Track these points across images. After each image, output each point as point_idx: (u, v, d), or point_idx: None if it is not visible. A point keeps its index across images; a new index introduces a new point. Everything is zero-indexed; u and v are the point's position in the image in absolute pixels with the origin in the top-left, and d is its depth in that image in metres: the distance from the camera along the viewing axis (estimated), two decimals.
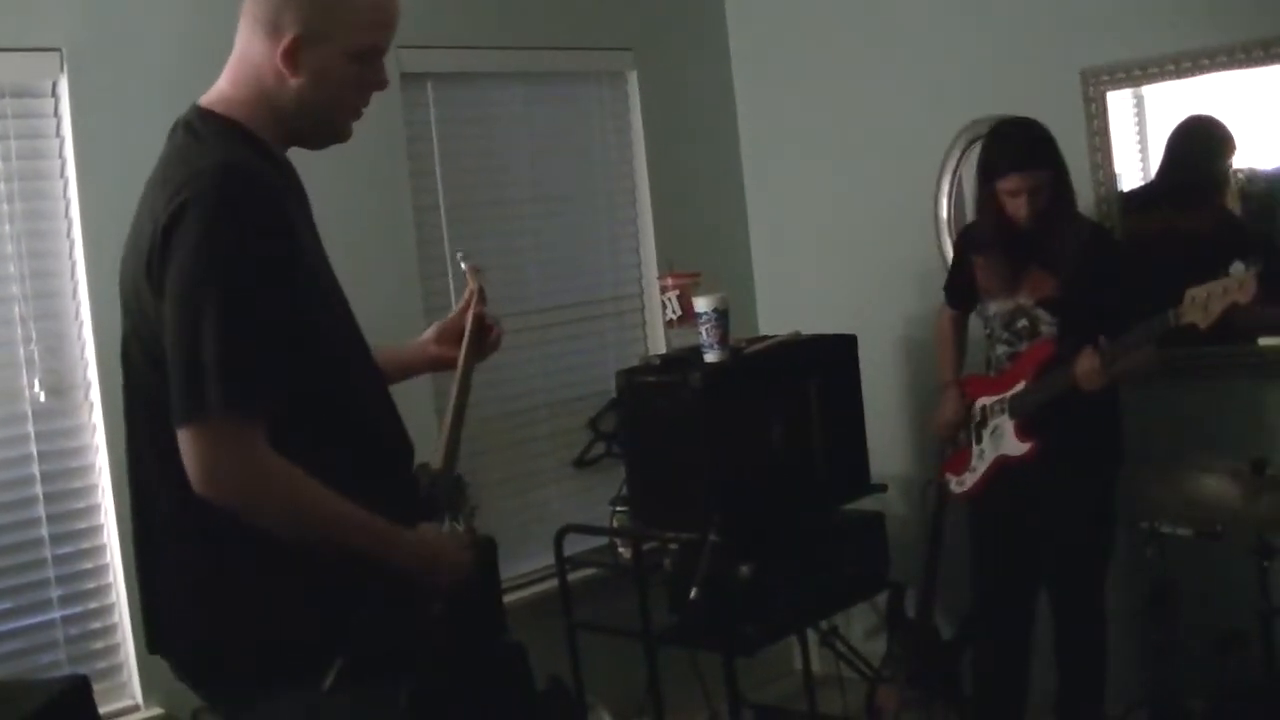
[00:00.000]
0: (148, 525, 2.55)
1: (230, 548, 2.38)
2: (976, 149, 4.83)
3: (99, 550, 4.16)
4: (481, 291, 3.00)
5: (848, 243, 5.78)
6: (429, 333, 3.07)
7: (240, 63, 2.54)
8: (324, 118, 2.58)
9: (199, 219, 2.29)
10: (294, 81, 2.49)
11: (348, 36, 2.50)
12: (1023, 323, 4.47)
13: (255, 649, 2.42)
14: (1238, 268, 3.91)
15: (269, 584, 2.40)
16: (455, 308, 3.05)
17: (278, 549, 2.36)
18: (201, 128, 2.50)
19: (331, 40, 2.49)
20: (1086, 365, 4.16)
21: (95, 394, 4.15)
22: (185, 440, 2.29)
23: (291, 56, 2.47)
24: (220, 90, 2.56)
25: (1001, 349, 4.56)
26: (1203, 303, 3.94)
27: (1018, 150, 4.35)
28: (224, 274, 2.29)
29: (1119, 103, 4.91)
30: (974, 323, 4.83)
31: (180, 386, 2.28)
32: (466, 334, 2.94)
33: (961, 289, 4.75)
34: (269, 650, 2.41)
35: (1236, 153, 4.66)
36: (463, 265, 3.06)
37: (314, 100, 2.52)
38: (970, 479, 4.66)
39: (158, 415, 2.38)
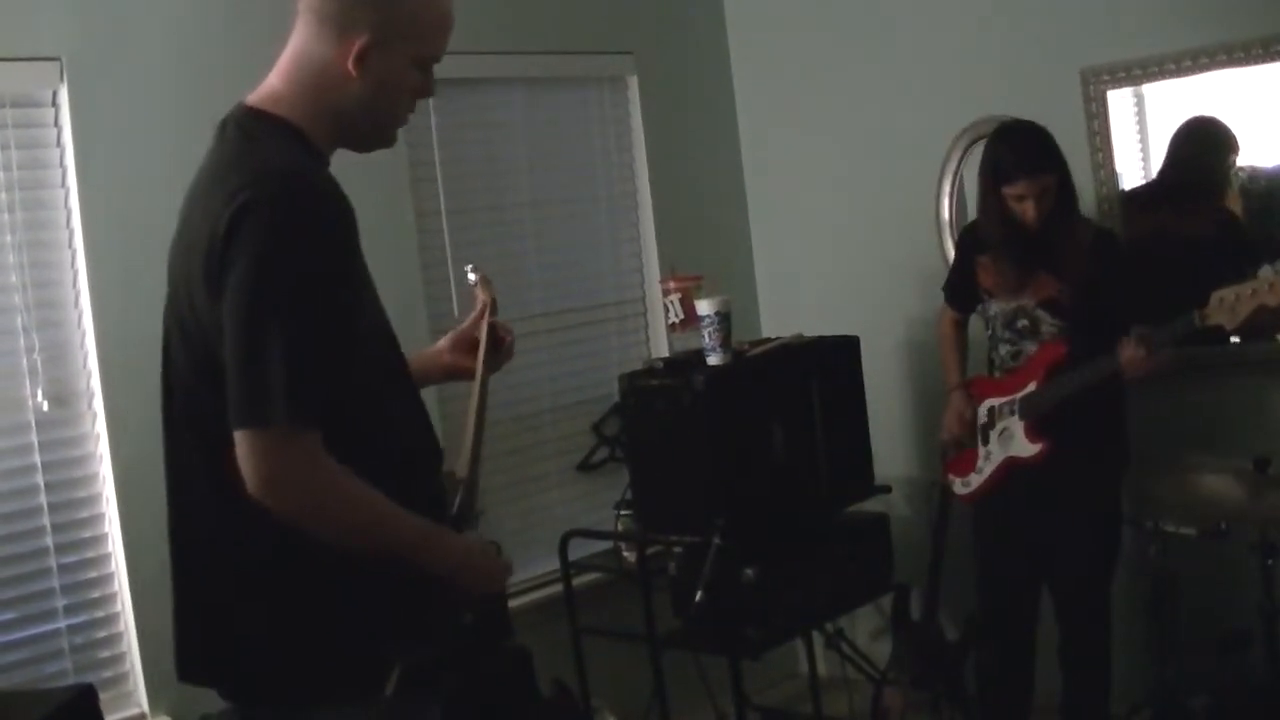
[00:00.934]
0: (191, 538, 2.54)
1: (286, 559, 2.37)
2: (978, 149, 4.83)
3: (104, 559, 4.17)
4: (494, 302, 3.03)
5: (850, 244, 5.79)
6: (442, 343, 3.08)
7: (297, 60, 2.52)
8: (382, 122, 2.59)
9: (264, 225, 2.28)
10: (358, 84, 2.49)
11: (416, 44, 2.52)
12: (1023, 322, 4.48)
13: (312, 663, 2.42)
14: (1266, 270, 3.90)
15: (326, 597, 2.40)
16: (467, 319, 3.07)
17: (334, 561, 2.35)
18: (253, 127, 2.49)
19: (401, 46, 2.49)
20: (1130, 354, 4.14)
21: (98, 403, 4.15)
22: (246, 444, 2.26)
23: (362, 59, 2.46)
24: (272, 88, 2.54)
25: (1005, 349, 4.57)
26: (1230, 304, 3.94)
27: (1025, 154, 4.35)
28: (291, 281, 2.28)
29: (1120, 102, 4.90)
30: (974, 323, 4.83)
31: (243, 390, 2.26)
32: (482, 344, 2.97)
33: (963, 290, 4.75)
34: (325, 664, 2.41)
35: (1239, 152, 4.66)
36: (471, 277, 3.09)
37: (375, 104, 2.53)
38: (976, 480, 4.67)
39: (198, 418, 2.40)
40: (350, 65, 2.46)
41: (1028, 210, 4.34)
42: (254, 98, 2.55)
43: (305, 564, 2.36)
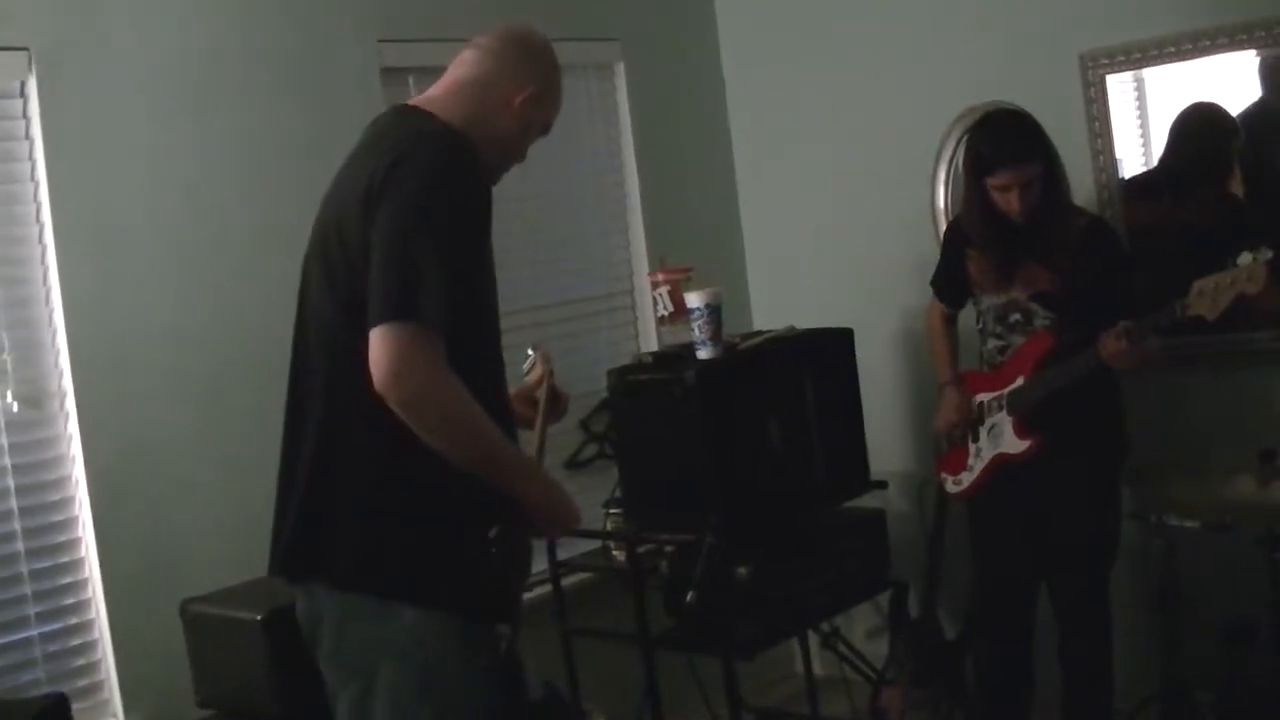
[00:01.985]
0: (319, 450, 2.89)
1: (407, 472, 2.79)
2: None
3: (77, 564, 4.11)
4: (551, 372, 3.44)
5: (843, 234, 5.76)
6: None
7: (467, 83, 3.07)
8: (508, 157, 3.16)
9: (425, 164, 2.77)
10: (513, 120, 3.09)
11: (550, 110, 3.20)
12: (1016, 316, 4.45)
13: (418, 565, 2.82)
14: (1245, 257, 3.87)
15: (439, 508, 2.82)
16: (528, 378, 3.44)
17: (447, 479, 2.76)
18: (409, 113, 3.04)
19: (545, 106, 3.16)
20: (1114, 346, 4.11)
21: (70, 403, 4.10)
22: (381, 338, 2.65)
23: (525, 103, 3.08)
24: (432, 97, 3.08)
25: (993, 343, 4.54)
26: (1210, 294, 3.92)
27: (1007, 144, 4.31)
28: (445, 209, 2.75)
29: (1119, 87, 4.88)
30: (965, 316, 4.80)
31: (385, 292, 2.67)
32: (543, 402, 3.36)
33: (952, 283, 4.72)
34: (428, 568, 2.82)
35: (1240, 137, 4.62)
36: (531, 354, 3.49)
37: (512, 142, 3.13)
38: (968, 478, 4.65)
39: (333, 347, 2.86)
40: (517, 103, 3.07)
41: (1012, 201, 4.30)
42: (415, 100, 3.11)
43: (420, 482, 2.79)
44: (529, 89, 3.08)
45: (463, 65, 3.11)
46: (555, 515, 3.01)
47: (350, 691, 2.90)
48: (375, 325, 2.65)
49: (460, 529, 2.87)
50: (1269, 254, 3.86)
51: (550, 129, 3.23)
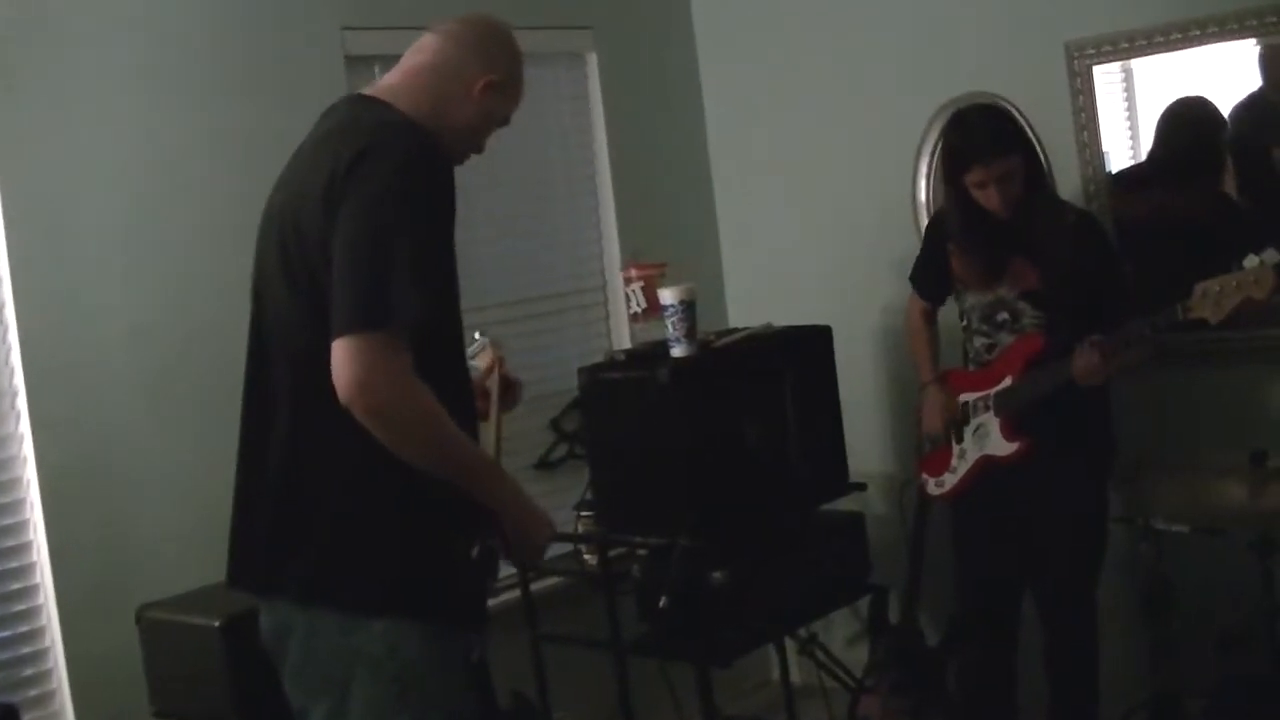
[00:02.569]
0: (281, 458, 2.86)
1: (377, 480, 2.76)
2: None
3: (28, 569, 4.07)
4: (501, 360, 3.44)
5: (821, 229, 5.75)
6: None
7: (428, 73, 3.03)
8: (467, 147, 3.13)
9: (388, 160, 2.72)
10: (474, 110, 3.06)
11: (512, 101, 3.17)
12: (1003, 315, 4.43)
13: (386, 578, 2.79)
14: (1251, 260, 3.85)
15: (407, 519, 2.79)
16: (475, 364, 3.39)
17: (416, 486, 2.74)
18: (367, 104, 2.98)
19: (507, 96, 3.14)
20: (1084, 362, 4.11)
21: (22, 401, 4.06)
22: (345, 349, 2.62)
23: (486, 91, 3.05)
24: (389, 85, 3.04)
25: (980, 341, 4.52)
26: (1214, 297, 3.91)
27: (979, 140, 4.30)
28: (408, 208, 2.71)
29: (1106, 77, 4.86)
30: (945, 312, 4.79)
31: (347, 300, 2.64)
32: (495, 391, 3.38)
33: (934, 280, 4.71)
34: (400, 577, 2.80)
35: (1229, 131, 4.62)
36: (477, 337, 3.46)
37: (471, 132, 3.10)
38: (951, 480, 4.63)
39: (296, 350, 2.81)
40: (477, 91, 3.04)
41: (991, 198, 4.29)
42: (368, 90, 3.06)
43: (389, 488, 2.76)
44: (490, 76, 3.05)
45: (422, 52, 3.08)
46: (526, 527, 3.00)
47: (323, 707, 2.86)
48: (338, 336, 2.62)
49: (432, 535, 2.83)
50: (1277, 257, 3.84)
51: (510, 120, 3.21)
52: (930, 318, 4.83)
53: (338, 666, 2.81)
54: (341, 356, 2.61)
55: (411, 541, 2.81)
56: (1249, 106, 4.59)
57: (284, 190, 2.94)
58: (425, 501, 2.78)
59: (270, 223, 2.94)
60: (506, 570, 4.62)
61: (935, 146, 5.25)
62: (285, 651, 2.91)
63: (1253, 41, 4.50)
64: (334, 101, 3.09)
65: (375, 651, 2.77)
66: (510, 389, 3.44)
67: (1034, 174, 4.36)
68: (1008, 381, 4.41)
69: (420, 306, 2.65)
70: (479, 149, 3.18)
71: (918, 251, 4.83)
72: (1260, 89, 4.57)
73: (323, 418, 2.72)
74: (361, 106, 2.98)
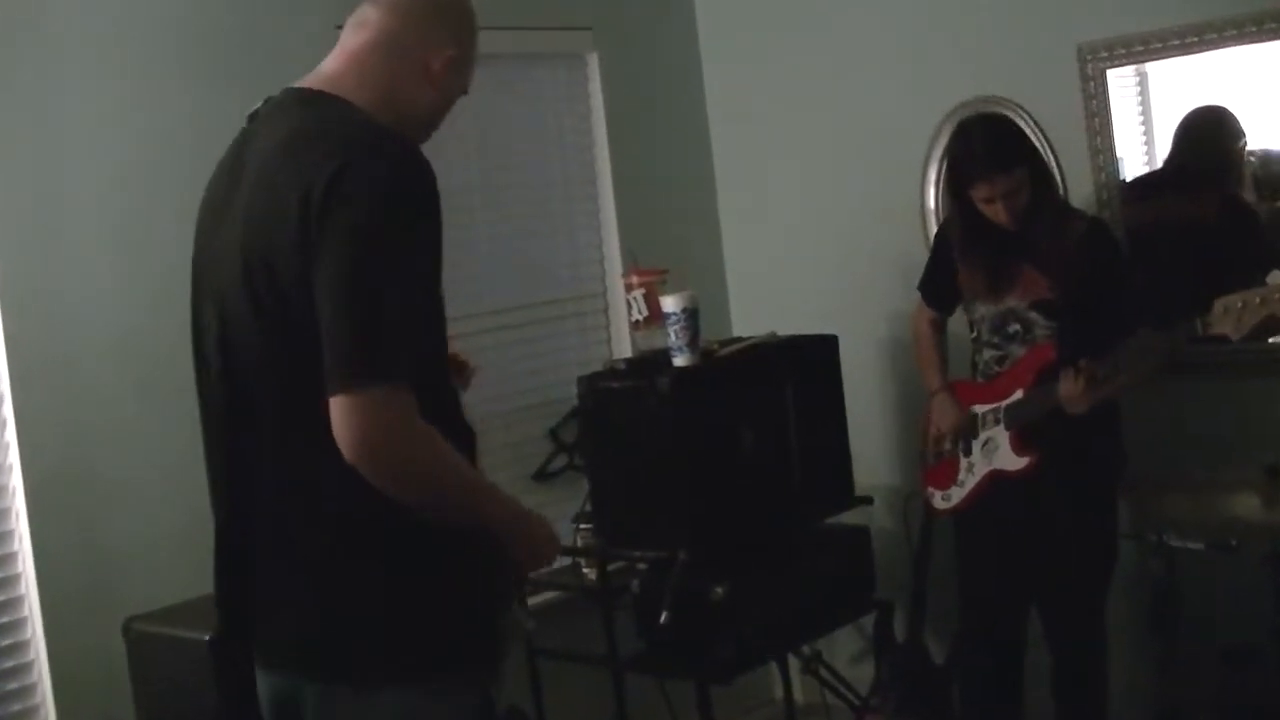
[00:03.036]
0: (273, 522, 2.64)
1: (376, 538, 2.55)
2: None
3: (12, 580, 4.06)
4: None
5: (827, 236, 5.74)
6: None
7: (376, 54, 2.72)
8: (430, 129, 2.85)
9: (380, 172, 2.46)
10: (434, 93, 2.78)
11: (470, 69, 2.86)
12: (1015, 327, 4.42)
13: (399, 641, 2.58)
14: (1276, 276, 3.83)
15: (413, 579, 2.57)
16: None
17: (424, 542, 2.54)
18: (324, 105, 2.66)
19: (464, 69, 2.84)
20: (1069, 389, 4.12)
21: (8, 409, 4.05)
22: (349, 405, 2.39)
23: (446, 69, 2.76)
24: (341, 78, 2.71)
25: (990, 353, 4.52)
26: (1236, 313, 3.88)
27: (984, 155, 4.31)
28: (406, 237, 2.47)
29: (1120, 81, 4.85)
30: (952, 322, 4.80)
31: (348, 345, 2.39)
32: None
33: (943, 290, 4.71)
34: (410, 641, 2.58)
35: (1246, 137, 4.62)
36: None
37: (433, 114, 2.83)
38: (958, 494, 4.62)
39: (285, 398, 2.55)
40: (436, 69, 2.75)
41: (999, 213, 4.30)
42: (314, 82, 2.73)
43: (394, 546, 2.55)
44: (448, 52, 2.77)
45: (364, 28, 2.75)
46: (539, 550, 2.81)
47: None
48: (338, 393, 2.40)
49: (439, 587, 2.61)
50: None
51: (468, 89, 2.92)
52: (938, 327, 4.82)
53: None
54: (344, 415, 2.39)
55: (419, 600, 2.58)
56: None
57: (231, 213, 2.63)
58: (430, 552, 2.58)
59: (223, 253, 2.63)
60: None
61: (944, 152, 5.25)
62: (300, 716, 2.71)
63: (1277, 44, 4.48)
64: (270, 97, 2.77)
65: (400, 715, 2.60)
66: (462, 371, 3.26)
67: (1041, 184, 4.35)
68: (1018, 394, 4.40)
69: (413, 345, 2.47)
70: (433, 131, 2.89)
71: (926, 259, 4.82)
72: None
73: (316, 475, 2.52)
74: (317, 106, 2.66)
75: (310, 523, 2.59)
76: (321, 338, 2.41)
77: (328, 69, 2.74)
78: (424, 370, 2.52)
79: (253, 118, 2.75)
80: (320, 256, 2.41)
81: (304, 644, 2.65)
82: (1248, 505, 4.07)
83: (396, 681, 2.58)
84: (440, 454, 2.51)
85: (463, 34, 2.82)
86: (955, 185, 4.42)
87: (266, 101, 2.75)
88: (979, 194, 4.30)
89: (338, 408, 2.40)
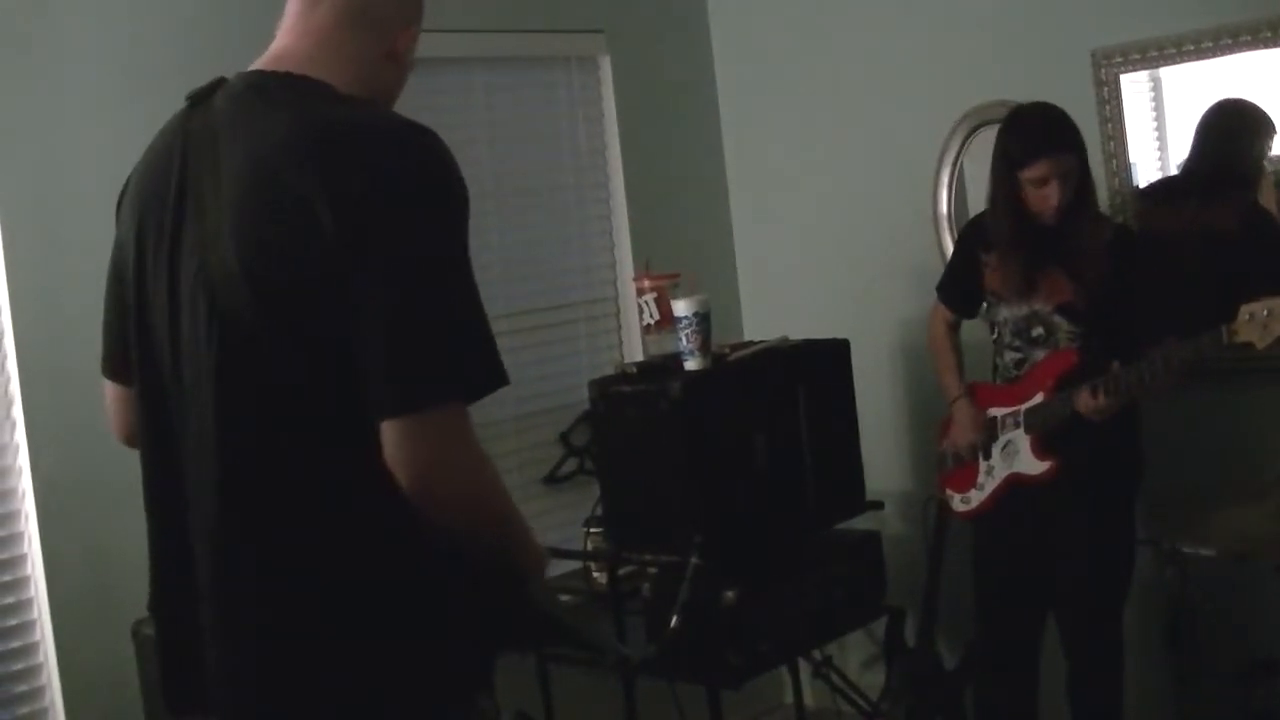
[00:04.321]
0: (258, 558, 2.33)
1: (389, 574, 2.32)
2: (979, 137, 4.83)
3: (22, 583, 4.07)
4: None
5: (839, 240, 5.75)
6: None
7: (341, 31, 2.48)
8: (392, 101, 2.63)
9: (434, 180, 2.28)
10: (398, 71, 2.60)
11: (416, 41, 2.63)
12: (1039, 330, 4.41)
13: (396, 683, 2.33)
14: None
15: (395, 609, 2.33)
16: None
17: (409, 564, 2.32)
18: (306, 87, 2.40)
19: (415, 43, 2.62)
20: (1088, 404, 4.14)
21: (18, 410, 4.07)
22: (411, 431, 2.19)
23: (408, 46, 2.58)
24: (311, 60, 2.45)
25: (1011, 355, 4.51)
26: (1262, 320, 3.88)
27: (1044, 132, 4.30)
28: (464, 247, 2.28)
29: (1134, 86, 4.85)
30: (967, 324, 4.80)
31: (411, 366, 2.19)
32: None
33: (964, 290, 4.68)
34: (414, 682, 2.34)
35: (1274, 138, 4.59)
36: None
37: (398, 86, 2.63)
38: (977, 497, 4.61)
39: (293, 417, 2.28)
40: (401, 49, 2.56)
41: (1050, 196, 4.26)
42: (282, 63, 2.45)
43: (406, 579, 2.33)
44: (411, 28, 2.59)
45: (320, 3, 2.50)
46: (536, 565, 2.60)
47: None
48: (400, 414, 2.19)
49: (424, 617, 2.37)
50: None
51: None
52: (954, 329, 4.81)
53: None
54: (409, 439, 2.19)
55: (400, 633, 2.34)
56: None
57: (206, 212, 2.35)
58: (414, 583, 2.35)
59: (204, 253, 2.34)
60: None
61: (958, 156, 5.25)
62: None
63: None
64: (223, 79, 2.49)
65: None
66: None
67: (1086, 179, 4.34)
68: (1039, 398, 4.39)
69: (488, 354, 2.29)
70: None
71: (938, 264, 4.84)
72: None
73: (302, 492, 2.29)
74: (309, 94, 2.39)
75: (309, 548, 2.31)
76: (362, 354, 2.20)
77: (293, 48, 2.48)
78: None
79: (198, 101, 2.47)
80: (367, 266, 2.18)
81: (286, 696, 2.37)
82: (1265, 515, 4.03)
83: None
84: (495, 479, 2.39)
85: (420, 7, 2.64)
86: (1008, 166, 4.36)
87: (220, 84, 2.47)
88: (1034, 173, 4.25)
89: (396, 430, 2.19)
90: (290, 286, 2.23)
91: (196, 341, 2.34)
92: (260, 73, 2.44)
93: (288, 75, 2.41)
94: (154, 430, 2.52)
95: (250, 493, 2.32)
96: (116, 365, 2.75)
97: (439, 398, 2.21)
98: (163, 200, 2.45)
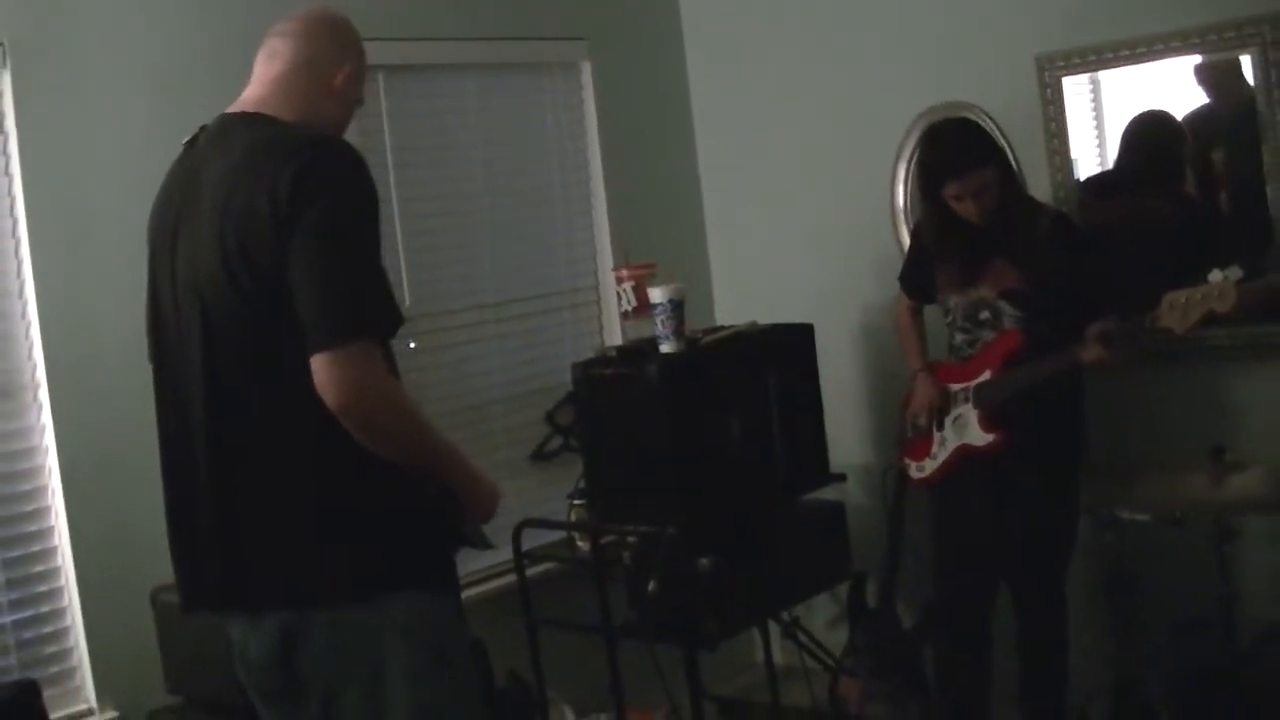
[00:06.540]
0: (252, 475, 2.78)
1: (352, 476, 2.74)
2: None
3: (50, 553, 4.12)
4: None
5: (804, 232, 5.78)
6: None
7: (292, 77, 2.97)
8: (342, 128, 3.09)
9: (337, 169, 2.73)
10: (339, 104, 3.04)
11: (362, 81, 3.14)
12: (985, 314, 4.47)
13: (368, 561, 2.76)
14: (1216, 275, 3.91)
15: (384, 502, 2.78)
16: None
17: (386, 475, 2.75)
18: (266, 122, 2.87)
19: (359, 81, 3.10)
20: (1094, 352, 4.16)
21: (44, 394, 4.11)
22: (331, 362, 2.62)
23: (346, 83, 3.03)
24: (265, 100, 2.94)
25: (961, 337, 4.57)
26: (1181, 308, 3.96)
27: (954, 155, 4.36)
28: (361, 223, 2.73)
29: (1075, 89, 4.90)
30: (930, 308, 4.83)
31: (329, 312, 2.63)
32: None
33: (920, 281, 4.76)
34: (382, 560, 2.78)
35: (1189, 142, 4.68)
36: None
37: (340, 123, 3.07)
38: (931, 466, 4.68)
39: (264, 367, 2.73)
40: (339, 84, 3.01)
41: (969, 210, 4.35)
42: (246, 106, 2.95)
43: (367, 478, 2.74)
44: (347, 67, 3.03)
45: (276, 58, 2.99)
46: (480, 497, 3.03)
47: (355, 690, 2.78)
48: (327, 348, 2.63)
49: (402, 505, 2.82)
50: (1239, 273, 3.89)
51: (364, 100, 3.19)
52: (917, 314, 4.86)
53: (368, 644, 2.76)
54: (330, 368, 2.62)
55: (392, 516, 2.80)
56: (1204, 118, 4.66)
57: (196, 222, 2.81)
58: (393, 486, 2.79)
59: (196, 254, 2.80)
60: (504, 556, 4.71)
61: (912, 154, 5.28)
62: (292, 656, 2.81)
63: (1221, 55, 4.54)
64: (205, 126, 2.97)
65: (406, 620, 2.77)
66: None
67: (1008, 181, 4.41)
68: (986, 375, 4.46)
69: (387, 308, 2.73)
70: (343, 134, 3.10)
71: (896, 253, 4.87)
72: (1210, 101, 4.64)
73: (286, 438, 2.75)
74: (259, 124, 2.87)
75: (295, 467, 2.76)
76: (298, 308, 2.65)
77: (254, 95, 2.97)
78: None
79: (192, 143, 2.97)
80: (295, 239, 2.64)
81: (300, 578, 2.78)
82: (1195, 484, 4.12)
83: (401, 588, 2.78)
84: (411, 405, 2.81)
85: (356, 50, 3.09)
86: (927, 186, 4.46)
87: (203, 130, 2.96)
88: (950, 192, 4.34)
89: (326, 363, 2.63)
90: (253, 269, 2.67)
91: (191, 325, 2.80)
92: (230, 115, 2.94)
93: (248, 114, 2.91)
94: (168, 399, 2.94)
95: (236, 431, 2.77)
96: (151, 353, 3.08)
97: (351, 334, 2.63)
98: (164, 224, 2.94)
